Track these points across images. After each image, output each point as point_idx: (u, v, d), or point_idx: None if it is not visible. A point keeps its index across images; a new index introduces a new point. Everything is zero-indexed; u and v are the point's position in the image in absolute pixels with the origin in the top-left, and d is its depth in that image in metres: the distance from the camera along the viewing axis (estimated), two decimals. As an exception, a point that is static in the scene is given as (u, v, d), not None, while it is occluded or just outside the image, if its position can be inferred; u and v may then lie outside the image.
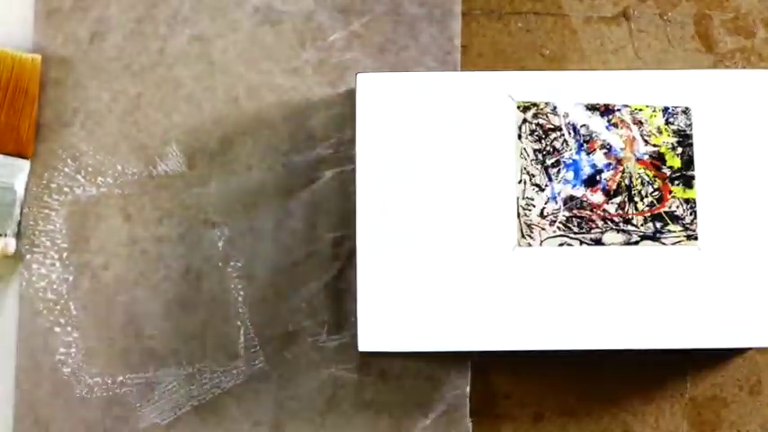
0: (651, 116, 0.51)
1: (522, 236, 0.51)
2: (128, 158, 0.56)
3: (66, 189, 0.55)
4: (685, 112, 0.51)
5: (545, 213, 0.51)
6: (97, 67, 0.56)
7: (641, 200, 0.51)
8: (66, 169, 0.55)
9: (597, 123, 0.51)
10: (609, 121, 0.51)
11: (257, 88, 0.56)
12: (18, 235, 0.54)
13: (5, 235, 0.52)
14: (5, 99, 0.52)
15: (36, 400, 0.54)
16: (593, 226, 0.51)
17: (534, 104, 0.51)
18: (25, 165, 0.53)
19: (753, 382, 0.55)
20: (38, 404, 0.54)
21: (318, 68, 0.57)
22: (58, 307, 0.54)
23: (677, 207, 0.51)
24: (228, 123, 0.56)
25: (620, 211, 0.51)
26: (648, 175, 0.51)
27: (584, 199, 0.51)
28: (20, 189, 0.53)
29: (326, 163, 0.56)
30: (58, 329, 0.54)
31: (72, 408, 0.54)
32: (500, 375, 0.55)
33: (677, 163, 0.51)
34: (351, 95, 0.52)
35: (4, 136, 0.52)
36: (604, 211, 0.51)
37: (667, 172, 0.51)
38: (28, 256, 0.55)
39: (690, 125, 0.51)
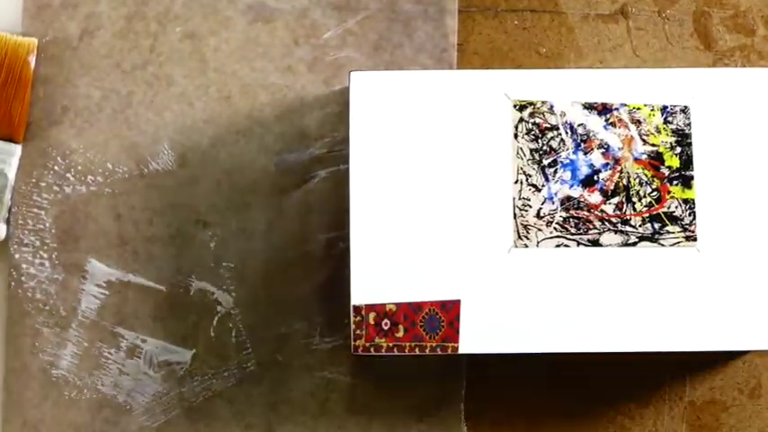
0: (649, 115, 0.51)
1: (519, 237, 0.50)
2: (118, 157, 0.55)
3: (55, 188, 0.55)
4: (684, 111, 0.51)
5: (542, 214, 0.50)
6: (87, 65, 0.56)
7: (639, 200, 0.51)
8: (56, 167, 0.55)
9: (595, 122, 0.51)
10: (606, 120, 0.51)
11: (250, 86, 0.56)
12: (8, 221, 0.53)
13: None
14: None
15: (25, 402, 0.53)
16: (591, 227, 0.50)
17: (531, 103, 0.51)
18: (16, 149, 0.53)
19: (752, 385, 0.55)
20: (26, 406, 0.53)
21: (312, 67, 0.56)
22: (47, 307, 0.54)
23: (676, 207, 0.51)
24: (221, 122, 0.55)
25: (618, 212, 0.50)
26: (647, 175, 0.51)
27: (582, 199, 0.51)
28: (11, 174, 0.52)
29: (320, 162, 0.55)
30: (46, 330, 0.54)
31: (61, 410, 0.53)
32: (496, 379, 0.55)
33: (676, 163, 0.51)
34: (345, 94, 0.52)
35: None
36: (602, 211, 0.50)
37: (666, 172, 0.51)
38: (17, 256, 0.54)
39: (689, 124, 0.51)
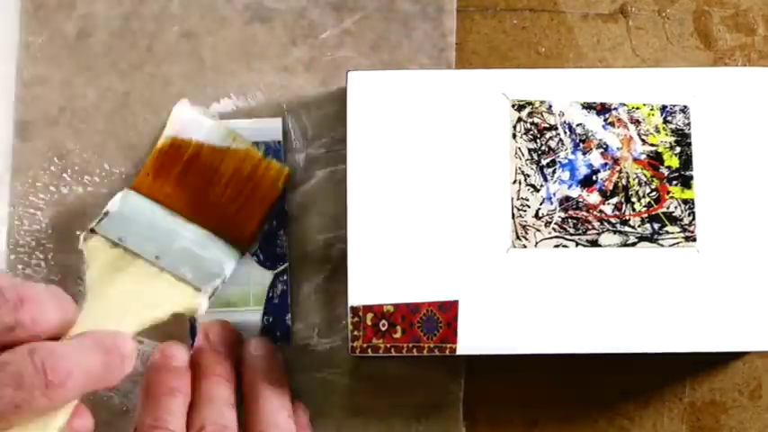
0: (649, 115, 0.51)
1: (517, 237, 0.50)
2: (115, 157, 0.55)
3: (51, 188, 0.55)
4: (683, 110, 0.51)
5: (540, 214, 0.50)
6: (84, 65, 0.56)
7: (638, 200, 0.50)
8: (53, 168, 0.55)
9: (593, 122, 0.51)
10: (605, 119, 0.51)
11: (248, 86, 0.55)
12: (210, 299, 0.52)
13: (203, 291, 0.51)
14: (243, 193, 0.53)
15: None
16: (590, 227, 0.50)
17: (529, 103, 0.51)
18: (236, 255, 0.53)
19: (753, 386, 0.55)
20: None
21: (310, 66, 0.56)
22: (44, 309, 0.53)
23: (675, 208, 0.50)
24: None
25: (617, 212, 0.50)
26: (646, 175, 0.50)
27: (581, 200, 0.50)
28: (227, 271, 0.52)
29: (318, 163, 0.55)
30: (43, 331, 0.53)
31: (57, 411, 0.53)
32: (494, 380, 0.54)
33: (675, 162, 0.50)
34: (343, 94, 0.51)
35: (230, 225, 0.52)
36: (601, 211, 0.50)
37: (665, 172, 0.50)
38: (12, 257, 0.54)
39: (688, 124, 0.51)
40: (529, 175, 0.50)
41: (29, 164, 0.55)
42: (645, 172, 0.50)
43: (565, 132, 0.51)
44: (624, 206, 0.50)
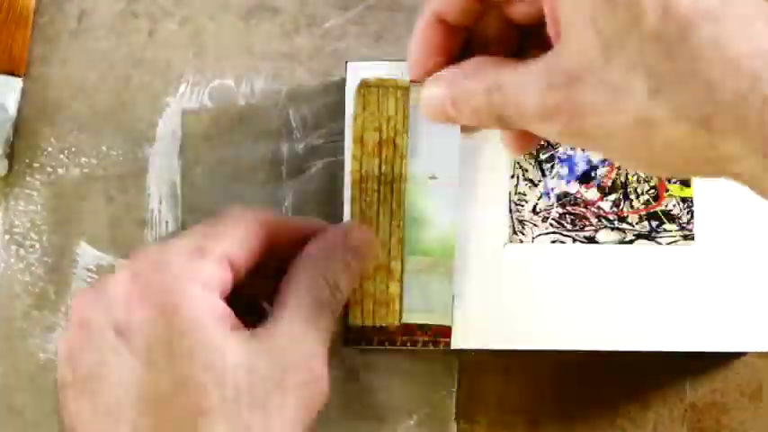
0: (650, 111, 0.50)
1: (514, 232, 0.50)
2: (113, 139, 0.55)
3: (48, 169, 0.55)
4: (685, 107, 0.50)
5: (538, 209, 0.50)
6: (85, 47, 0.56)
7: (637, 197, 0.50)
8: (50, 148, 0.55)
9: (594, 117, 0.50)
10: (606, 115, 0.50)
11: (249, 74, 0.56)
12: (10, 157, 0.52)
13: None
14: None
15: (10, 386, 0.53)
16: (587, 223, 0.50)
17: (529, 96, 0.50)
18: (17, 83, 0.52)
19: (754, 387, 0.54)
20: (12, 390, 0.53)
21: (313, 56, 0.56)
22: (37, 290, 0.54)
23: (674, 206, 0.50)
24: (218, 109, 0.55)
25: (615, 209, 0.50)
26: (645, 172, 0.50)
27: (579, 195, 0.50)
28: (11, 108, 0.52)
29: (318, 153, 0.55)
30: (35, 313, 0.54)
31: (47, 394, 0.53)
32: (491, 378, 0.54)
33: (675, 160, 0.50)
34: (344, 84, 0.51)
35: None
36: (599, 208, 0.50)
37: (665, 169, 0.50)
38: (7, 237, 0.54)
39: (689, 121, 0.50)
40: (527, 170, 0.50)
41: (26, 144, 0.55)
42: (644, 169, 0.50)
43: (565, 127, 0.50)
44: (622, 203, 0.50)
